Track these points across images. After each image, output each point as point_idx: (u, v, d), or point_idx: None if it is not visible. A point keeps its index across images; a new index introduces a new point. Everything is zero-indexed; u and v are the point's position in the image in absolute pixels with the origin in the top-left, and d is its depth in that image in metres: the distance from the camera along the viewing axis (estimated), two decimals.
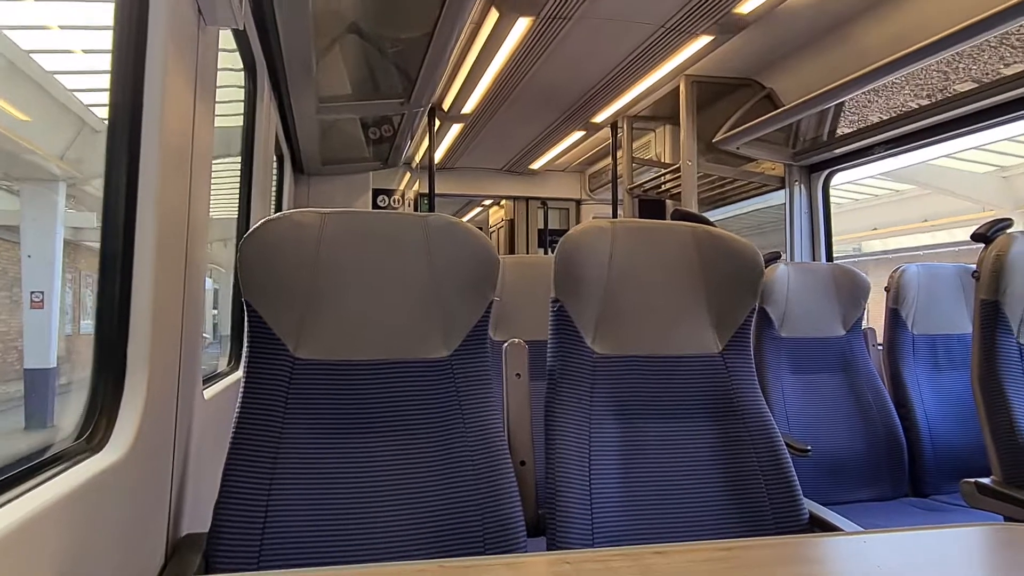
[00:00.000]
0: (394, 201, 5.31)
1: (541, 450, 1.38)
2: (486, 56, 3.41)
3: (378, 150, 4.60)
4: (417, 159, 5.49)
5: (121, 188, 1.03)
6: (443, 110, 4.31)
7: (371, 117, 4.03)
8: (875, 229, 10.24)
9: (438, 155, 5.22)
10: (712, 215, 4.26)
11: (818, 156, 3.71)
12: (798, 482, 1.40)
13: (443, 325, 1.33)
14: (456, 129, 4.73)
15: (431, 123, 4.41)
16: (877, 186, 9.83)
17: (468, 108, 4.22)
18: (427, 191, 4.69)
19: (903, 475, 2.31)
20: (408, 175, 5.51)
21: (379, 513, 1.20)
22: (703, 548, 0.96)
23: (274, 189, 3.59)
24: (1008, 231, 1.66)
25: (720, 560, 0.90)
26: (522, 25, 3.08)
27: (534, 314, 2.10)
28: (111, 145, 1.04)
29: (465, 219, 7.27)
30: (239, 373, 1.26)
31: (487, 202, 7.68)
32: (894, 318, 2.48)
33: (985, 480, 1.58)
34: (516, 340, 1.58)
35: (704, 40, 3.21)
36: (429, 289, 1.32)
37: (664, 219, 3.32)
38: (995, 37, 2.38)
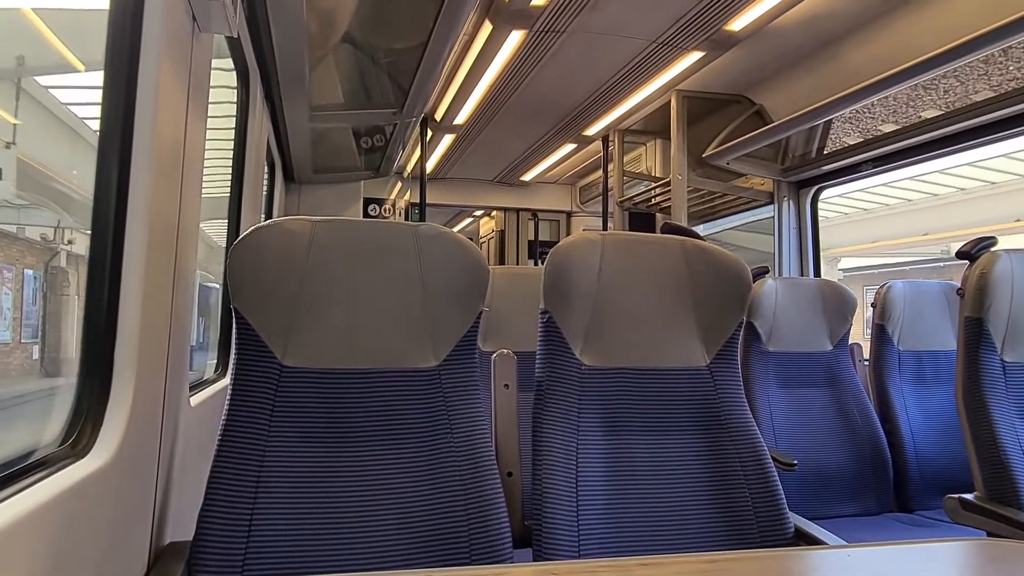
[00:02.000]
0: (385, 210, 5.31)
1: (528, 461, 1.38)
2: (479, 68, 3.43)
3: (370, 159, 4.61)
4: (409, 169, 5.50)
5: (112, 193, 1.03)
6: (435, 120, 4.33)
7: (363, 126, 4.03)
8: (1018, 220, 8.67)
9: (430, 165, 5.23)
10: (701, 229, 4.29)
11: (806, 172, 3.74)
12: (784, 496, 1.40)
13: (432, 335, 1.33)
14: (448, 140, 4.74)
15: (423, 133, 4.42)
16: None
17: (460, 119, 4.24)
18: (418, 201, 4.70)
19: (888, 490, 2.32)
20: (399, 185, 5.52)
21: (365, 522, 1.20)
22: (689, 560, 0.96)
23: (265, 197, 3.58)
24: (992, 249, 1.68)
25: (706, 572, 0.90)
26: (515, 38, 3.10)
27: (523, 325, 2.11)
28: (103, 150, 1.04)
29: (456, 229, 7.32)
30: (226, 380, 1.26)
31: (478, 213, 7.69)
32: (880, 334, 2.49)
33: (969, 496, 1.60)
34: (505, 351, 1.58)
35: (695, 56, 3.24)
36: (419, 298, 1.32)
37: (654, 232, 3.34)
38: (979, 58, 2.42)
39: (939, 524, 2.13)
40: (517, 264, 6.42)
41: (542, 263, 1.51)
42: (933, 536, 2.03)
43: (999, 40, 2.19)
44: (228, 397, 1.21)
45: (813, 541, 1.34)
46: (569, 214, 6.51)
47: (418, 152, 4.73)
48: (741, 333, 1.54)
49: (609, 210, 4.73)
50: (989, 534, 1.52)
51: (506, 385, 1.54)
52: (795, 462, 1.98)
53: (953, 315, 2.54)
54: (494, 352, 1.59)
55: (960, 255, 1.73)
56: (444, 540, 1.22)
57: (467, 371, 1.34)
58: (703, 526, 1.35)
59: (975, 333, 1.64)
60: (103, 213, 1.03)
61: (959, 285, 1.70)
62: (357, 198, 5.03)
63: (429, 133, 4.50)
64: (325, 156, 4.43)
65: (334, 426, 1.25)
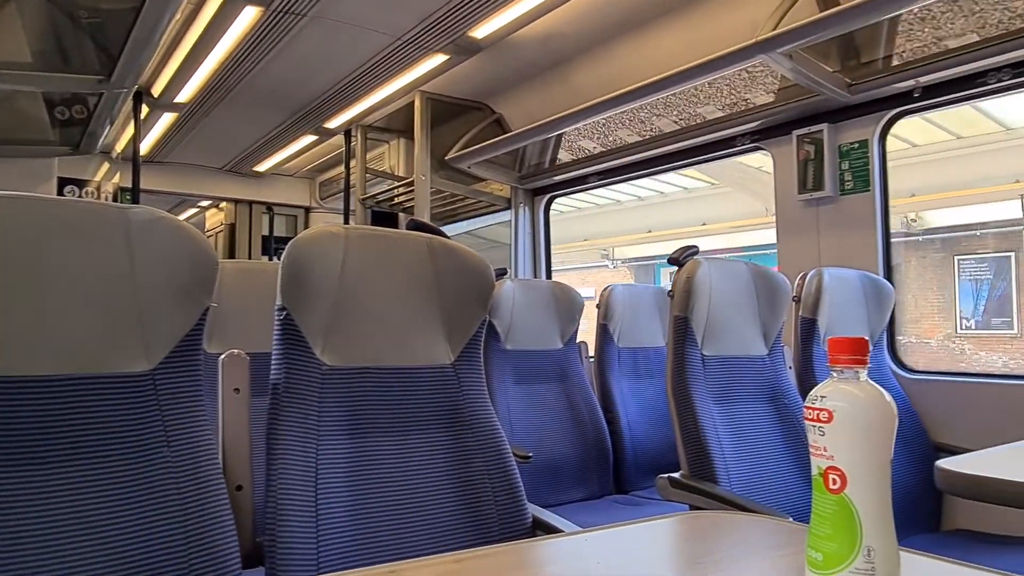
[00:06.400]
0: (87, 194, 4.60)
1: (262, 473, 1.25)
2: (207, 42, 3.12)
3: (67, 133, 3.96)
4: (119, 148, 4.83)
5: None
6: (152, 96, 3.85)
7: (58, 94, 3.45)
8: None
9: (145, 146, 4.64)
10: (445, 231, 4.36)
11: (540, 181, 4.00)
12: (523, 487, 1.44)
13: (145, 334, 1.14)
14: (168, 119, 4.25)
15: (137, 108, 3.90)
16: None
17: (183, 97, 3.82)
18: (130, 186, 4.14)
19: (609, 475, 2.54)
20: (107, 166, 4.82)
21: (60, 552, 0.98)
22: (436, 562, 0.93)
23: None
24: (695, 256, 1.92)
25: (454, 573, 0.88)
26: (250, 14, 2.87)
27: (258, 324, 1.93)
28: None
29: None
30: None
31: (204, 203, 7.03)
32: (604, 333, 2.73)
33: (676, 475, 1.80)
34: (235, 351, 1.42)
35: (440, 58, 3.28)
36: (128, 293, 1.12)
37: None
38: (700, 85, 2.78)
39: (651, 502, 2.39)
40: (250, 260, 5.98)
41: (278, 260, 1.38)
42: (648, 513, 2.24)
43: (702, 75, 2.52)
44: None
45: (550, 529, 1.40)
46: (308, 210, 6.22)
47: (131, 130, 4.16)
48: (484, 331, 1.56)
49: (351, 207, 4.60)
50: (692, 507, 1.72)
51: (236, 389, 1.38)
52: (531, 454, 2.08)
53: (662, 315, 2.87)
54: (222, 353, 1.43)
55: (671, 261, 1.94)
56: (161, 565, 1.05)
57: (189, 375, 1.18)
58: (448, 525, 1.34)
59: (682, 330, 1.85)
60: None
61: (670, 288, 1.91)
62: (49, 177, 4.30)
63: (145, 109, 3.98)
64: (6, 126, 3.71)
65: (21, 446, 1.01)
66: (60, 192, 4.44)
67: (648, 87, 2.71)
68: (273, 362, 1.31)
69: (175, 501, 1.09)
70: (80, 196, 4.53)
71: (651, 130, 3.31)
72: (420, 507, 1.33)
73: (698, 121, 3.10)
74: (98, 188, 4.68)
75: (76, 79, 3.15)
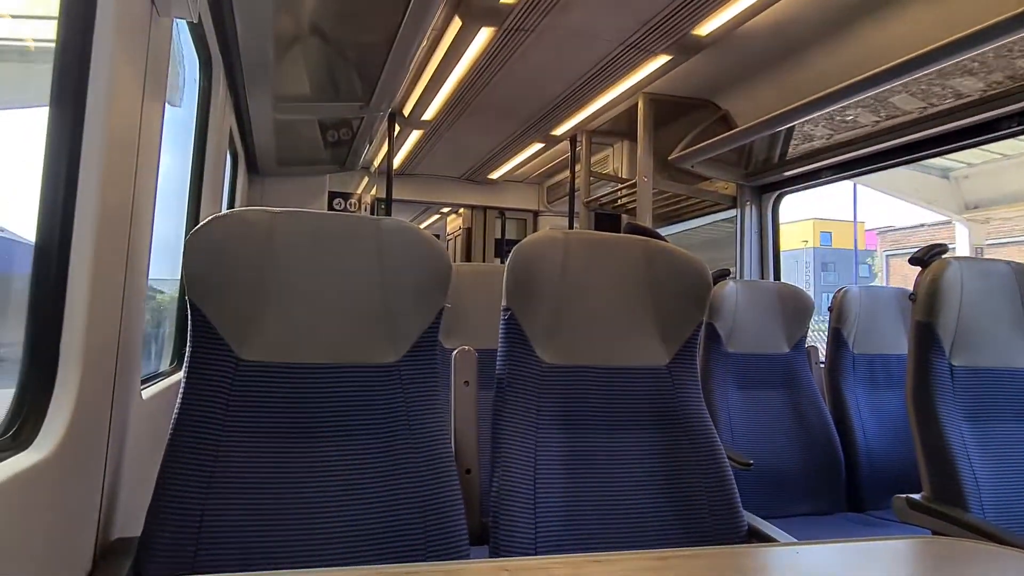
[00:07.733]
0: (350, 205, 5.26)
1: (487, 459, 1.38)
2: (448, 64, 3.42)
3: (335, 153, 4.56)
4: (376, 164, 5.45)
5: (61, 179, 1.00)
6: (403, 115, 4.30)
7: (329, 119, 3.99)
8: None
9: (397, 160, 5.19)
10: (666, 231, 4.33)
11: (769, 177, 3.80)
12: (738, 495, 1.42)
13: (392, 330, 1.32)
14: (416, 135, 4.71)
15: (391, 128, 4.38)
16: None
17: (428, 115, 4.21)
18: (384, 196, 4.66)
19: (841, 490, 2.37)
20: (366, 179, 5.47)
21: (319, 518, 1.19)
22: (641, 557, 0.97)
23: (228, 188, 3.53)
24: (943, 256, 1.73)
25: (656, 569, 0.91)
26: (484, 35, 3.09)
27: (486, 322, 2.11)
28: (51, 135, 1.01)
29: (422, 226, 7.26)
30: (181, 374, 1.23)
31: (445, 210, 7.66)
32: (836, 338, 2.55)
33: (916, 496, 1.64)
34: (466, 347, 1.58)
35: (662, 59, 3.27)
36: (379, 293, 1.31)
37: (618, 233, 3.35)
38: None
39: (888, 523, 2.18)
40: (484, 262, 6.41)
41: None
42: (881, 535, 2.08)
43: (952, 55, 2.25)
44: (181, 391, 1.19)
45: (764, 538, 1.36)
46: (536, 213, 6.51)
47: (385, 147, 4.69)
48: (701, 334, 1.55)
49: (576, 210, 4.74)
50: (934, 533, 1.56)
51: (466, 382, 1.53)
52: (751, 462, 2.01)
53: (906, 320, 2.60)
54: (455, 349, 1.59)
55: (913, 261, 1.77)
56: (400, 536, 1.21)
57: (427, 367, 1.34)
58: (659, 523, 1.37)
59: (925, 337, 1.68)
60: (50, 199, 1.00)
61: (912, 291, 1.74)
62: (322, 192, 4.98)
63: (396, 128, 4.46)
64: (290, 148, 4.37)
65: (290, 421, 1.23)
66: (330, 204, 5.12)
67: (896, 69, 2.47)
68: (498, 358, 1.44)
69: (415, 478, 1.25)
70: (346, 207, 5.20)
71: (894, 111, 2.99)
72: (631, 502, 1.37)
73: (951, 98, 2.75)
74: (359, 200, 5.32)
75: (343, 106, 3.63)
